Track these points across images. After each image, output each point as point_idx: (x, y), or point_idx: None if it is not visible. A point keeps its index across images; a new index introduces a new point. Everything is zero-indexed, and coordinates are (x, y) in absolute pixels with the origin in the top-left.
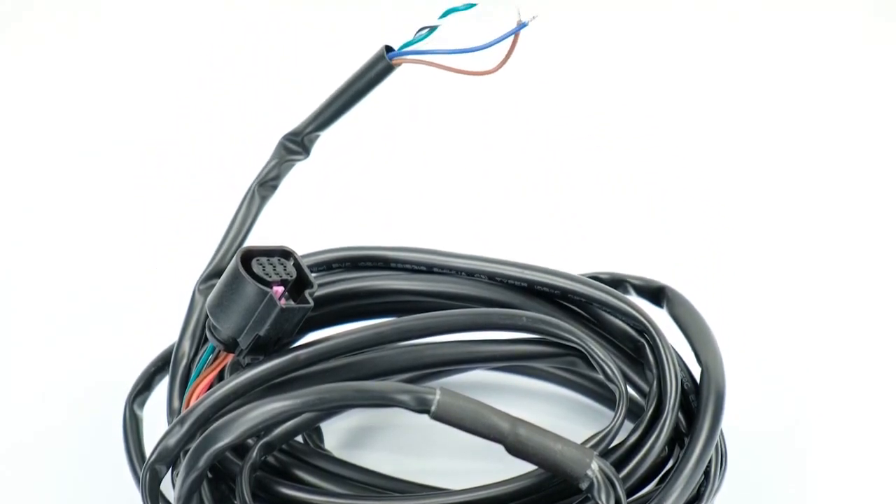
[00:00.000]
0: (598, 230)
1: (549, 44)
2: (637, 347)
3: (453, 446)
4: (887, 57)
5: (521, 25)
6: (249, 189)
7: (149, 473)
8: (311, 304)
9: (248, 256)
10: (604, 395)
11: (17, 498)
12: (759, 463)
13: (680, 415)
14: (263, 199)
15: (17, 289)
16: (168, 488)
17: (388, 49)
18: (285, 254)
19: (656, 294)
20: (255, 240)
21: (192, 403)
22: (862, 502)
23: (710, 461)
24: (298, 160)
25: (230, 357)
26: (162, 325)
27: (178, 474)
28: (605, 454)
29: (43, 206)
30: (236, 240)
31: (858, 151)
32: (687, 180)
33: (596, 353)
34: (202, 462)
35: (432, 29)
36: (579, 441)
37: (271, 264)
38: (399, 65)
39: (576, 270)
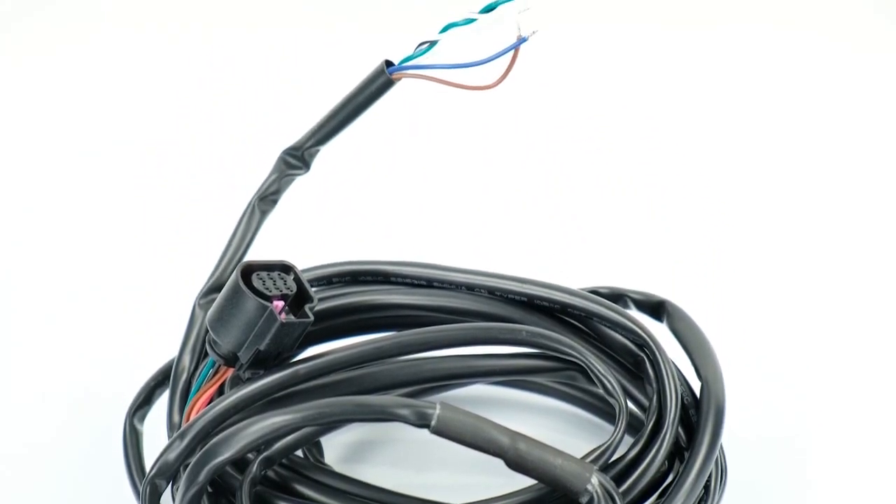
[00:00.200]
0: (598, 238)
1: (547, 57)
2: (637, 362)
3: (453, 461)
4: (887, 58)
5: (521, 40)
6: (249, 204)
7: (149, 488)
8: (312, 318)
9: (249, 271)
10: (604, 410)
11: None
12: (759, 473)
13: (680, 429)
14: (264, 214)
15: (17, 289)
16: (168, 503)
17: (388, 64)
18: (285, 268)
19: (656, 308)
20: (255, 254)
21: (192, 418)
22: None
23: (710, 475)
24: (299, 174)
25: (230, 371)
26: (162, 325)
27: (178, 489)
28: (605, 469)
29: (43, 206)
30: (236, 254)
31: (857, 154)
32: (686, 185)
33: (596, 368)
34: (202, 476)
35: (432, 44)
36: (579, 455)
37: (271, 279)
38: (399, 79)
39: (576, 280)
